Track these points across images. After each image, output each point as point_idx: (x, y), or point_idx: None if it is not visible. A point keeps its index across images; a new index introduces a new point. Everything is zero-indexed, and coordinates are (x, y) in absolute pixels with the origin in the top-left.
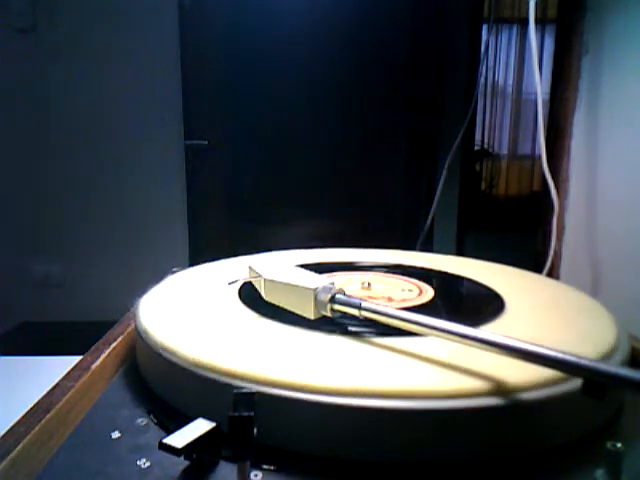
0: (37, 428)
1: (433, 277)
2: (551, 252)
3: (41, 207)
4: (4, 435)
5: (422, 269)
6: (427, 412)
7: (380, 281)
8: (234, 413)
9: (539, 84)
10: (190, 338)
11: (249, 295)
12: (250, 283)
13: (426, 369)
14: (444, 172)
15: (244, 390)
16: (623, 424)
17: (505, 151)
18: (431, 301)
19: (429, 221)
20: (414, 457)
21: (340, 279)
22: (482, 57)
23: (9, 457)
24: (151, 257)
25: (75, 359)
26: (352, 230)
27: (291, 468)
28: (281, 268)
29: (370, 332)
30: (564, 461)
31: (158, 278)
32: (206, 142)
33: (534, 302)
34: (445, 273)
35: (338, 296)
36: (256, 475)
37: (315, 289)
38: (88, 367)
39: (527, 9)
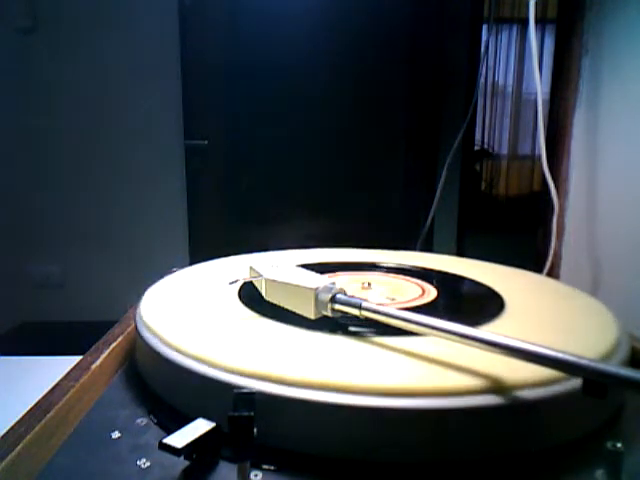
0: (37, 428)
1: (433, 277)
2: (551, 252)
3: (41, 207)
4: (4, 435)
5: (422, 269)
6: (427, 411)
7: (380, 281)
8: (234, 413)
9: (539, 84)
10: (190, 338)
11: (249, 295)
12: (251, 283)
13: (426, 369)
14: (444, 172)
15: (244, 390)
16: (623, 424)
17: (505, 151)
18: (431, 301)
19: (429, 221)
20: (414, 457)
21: (340, 279)
22: (482, 57)
23: (9, 457)
24: (151, 257)
25: (75, 359)
26: (352, 230)
27: (291, 468)
28: (282, 268)
29: (371, 332)
30: (564, 461)
31: (158, 278)
32: (206, 142)
33: (534, 302)
34: (445, 273)
35: (339, 296)
36: (256, 475)
37: (316, 289)
38: (88, 367)
39: (527, 9)
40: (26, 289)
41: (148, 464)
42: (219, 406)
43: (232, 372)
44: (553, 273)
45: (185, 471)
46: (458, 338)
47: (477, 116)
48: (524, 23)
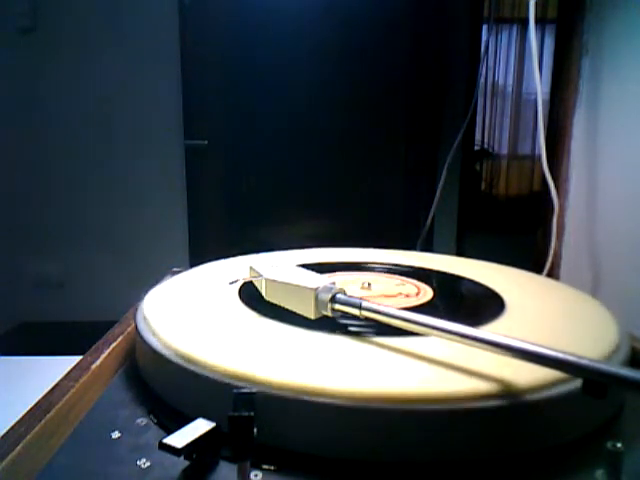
0: (37, 428)
1: (433, 277)
2: (551, 252)
3: (41, 207)
4: (4, 435)
5: (422, 269)
6: (427, 412)
7: (380, 281)
8: (234, 413)
9: (539, 84)
10: (190, 338)
11: (250, 295)
12: (251, 283)
13: (427, 369)
14: (444, 172)
15: (244, 390)
16: (623, 424)
17: (505, 151)
18: (431, 301)
19: (429, 221)
20: (414, 457)
21: (340, 279)
22: (482, 57)
23: (9, 457)
24: (151, 257)
25: (75, 359)
26: (352, 230)
27: (291, 468)
28: (282, 268)
29: (371, 332)
30: (564, 461)
31: (158, 278)
32: (206, 142)
33: (534, 302)
34: (445, 273)
35: (339, 296)
36: (256, 475)
37: (316, 289)
38: (88, 367)
39: (527, 9)
40: (26, 289)
41: (148, 464)
42: (219, 406)
43: (232, 372)
44: (553, 273)
45: (185, 471)
46: (458, 338)
47: (477, 116)
48: (524, 23)
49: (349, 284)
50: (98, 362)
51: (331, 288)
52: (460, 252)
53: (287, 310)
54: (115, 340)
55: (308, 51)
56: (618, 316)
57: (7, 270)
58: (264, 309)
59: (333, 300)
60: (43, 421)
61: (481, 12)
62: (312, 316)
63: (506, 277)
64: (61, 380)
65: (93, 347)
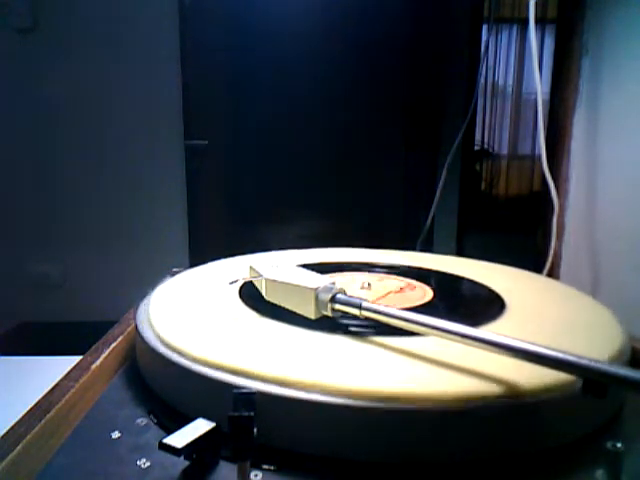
0: (37, 428)
1: (433, 277)
2: (551, 252)
3: (41, 207)
4: (4, 435)
5: (422, 269)
6: (427, 412)
7: (380, 281)
8: (234, 413)
9: (539, 84)
10: (190, 338)
11: (250, 295)
12: (251, 283)
13: (427, 369)
14: (444, 172)
15: (244, 390)
16: (623, 424)
17: (505, 151)
18: (431, 301)
19: (429, 221)
20: (414, 458)
21: (340, 279)
22: (482, 57)
23: (9, 457)
24: (151, 257)
25: (75, 359)
26: (352, 230)
27: (291, 468)
28: (282, 268)
29: (371, 332)
30: (564, 461)
31: (158, 278)
32: (206, 142)
33: (534, 302)
34: (445, 273)
35: (339, 296)
36: (256, 475)
37: (316, 289)
38: (88, 367)
39: (527, 9)
40: (26, 289)
41: (148, 464)
42: (219, 406)
43: (232, 372)
44: (553, 273)
45: (185, 471)
46: (458, 338)
47: (477, 116)
48: (524, 23)
49: (349, 284)
50: (98, 362)
51: (331, 288)
52: (460, 252)
53: (287, 310)
54: (115, 340)
55: (308, 51)
56: (618, 316)
57: (7, 270)
58: (264, 309)
59: (333, 300)
60: (43, 421)
61: (481, 12)
62: (312, 316)
63: (506, 277)
64: (61, 380)
65: (93, 347)
